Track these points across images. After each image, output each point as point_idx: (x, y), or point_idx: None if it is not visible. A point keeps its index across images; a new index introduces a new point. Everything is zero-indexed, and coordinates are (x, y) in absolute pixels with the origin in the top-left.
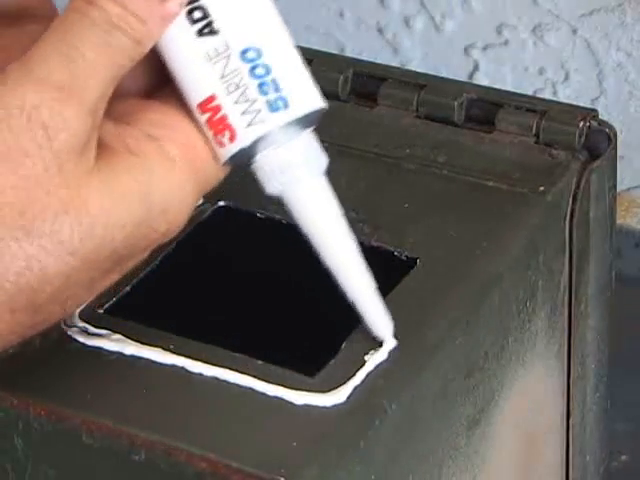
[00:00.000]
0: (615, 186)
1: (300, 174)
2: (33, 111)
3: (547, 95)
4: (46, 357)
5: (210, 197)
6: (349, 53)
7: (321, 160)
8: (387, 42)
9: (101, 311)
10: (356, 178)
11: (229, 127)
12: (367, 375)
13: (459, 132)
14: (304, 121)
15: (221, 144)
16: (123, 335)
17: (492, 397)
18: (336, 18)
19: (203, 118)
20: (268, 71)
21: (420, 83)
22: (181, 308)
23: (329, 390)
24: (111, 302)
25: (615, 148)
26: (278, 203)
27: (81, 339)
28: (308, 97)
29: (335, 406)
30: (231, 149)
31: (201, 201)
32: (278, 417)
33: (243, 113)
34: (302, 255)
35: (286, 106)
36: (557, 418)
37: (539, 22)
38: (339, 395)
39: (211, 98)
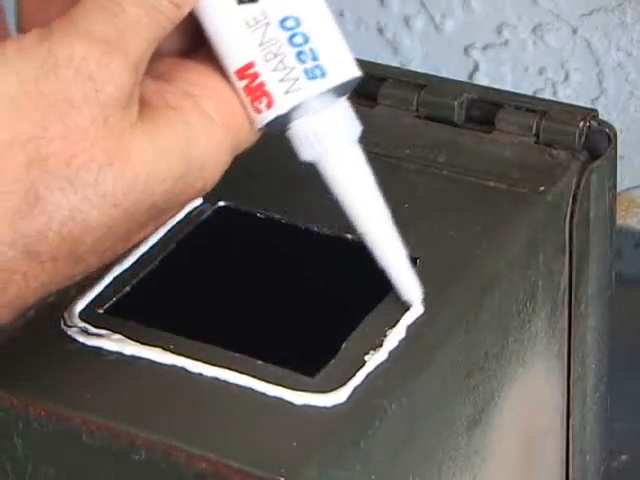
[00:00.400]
0: (615, 186)
1: (335, 141)
2: (81, 62)
3: (547, 95)
4: (46, 357)
5: (210, 197)
6: None
7: (355, 128)
8: (387, 42)
9: (101, 311)
10: None
11: (267, 94)
12: (367, 375)
13: (459, 132)
14: (340, 89)
15: (258, 110)
16: (123, 335)
17: (492, 397)
18: (336, 18)
19: (241, 84)
20: (306, 40)
21: (420, 83)
22: (181, 308)
23: (329, 390)
24: (111, 302)
25: (615, 148)
26: (278, 203)
27: (81, 339)
28: (345, 66)
29: (335, 406)
30: (268, 116)
31: (201, 201)
32: (278, 417)
33: (281, 80)
34: (302, 255)
35: (323, 75)
36: (557, 418)
37: (539, 22)
38: (339, 395)
39: (249, 65)
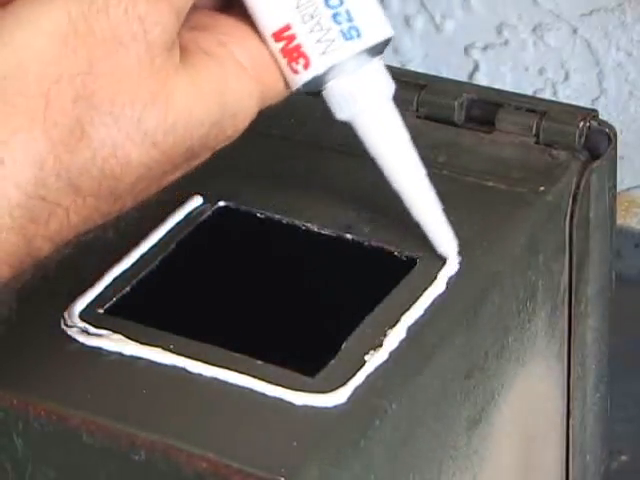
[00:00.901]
0: (615, 186)
1: (370, 100)
2: (130, 3)
3: (547, 95)
4: (46, 357)
5: (210, 197)
6: None
7: (390, 86)
8: None
9: (101, 311)
10: (356, 178)
11: (304, 55)
12: (367, 375)
13: (459, 132)
14: (374, 49)
15: (295, 71)
16: (123, 335)
17: (492, 397)
18: None
19: (277, 46)
20: (341, 1)
21: (420, 83)
22: (181, 308)
23: (329, 390)
24: (111, 302)
25: (615, 148)
26: (278, 203)
27: (81, 339)
28: (379, 26)
29: (335, 406)
30: (305, 76)
31: (201, 201)
32: (278, 417)
33: (318, 41)
34: (302, 255)
35: (359, 35)
36: (557, 418)
37: (539, 22)
38: (339, 395)
39: (286, 27)
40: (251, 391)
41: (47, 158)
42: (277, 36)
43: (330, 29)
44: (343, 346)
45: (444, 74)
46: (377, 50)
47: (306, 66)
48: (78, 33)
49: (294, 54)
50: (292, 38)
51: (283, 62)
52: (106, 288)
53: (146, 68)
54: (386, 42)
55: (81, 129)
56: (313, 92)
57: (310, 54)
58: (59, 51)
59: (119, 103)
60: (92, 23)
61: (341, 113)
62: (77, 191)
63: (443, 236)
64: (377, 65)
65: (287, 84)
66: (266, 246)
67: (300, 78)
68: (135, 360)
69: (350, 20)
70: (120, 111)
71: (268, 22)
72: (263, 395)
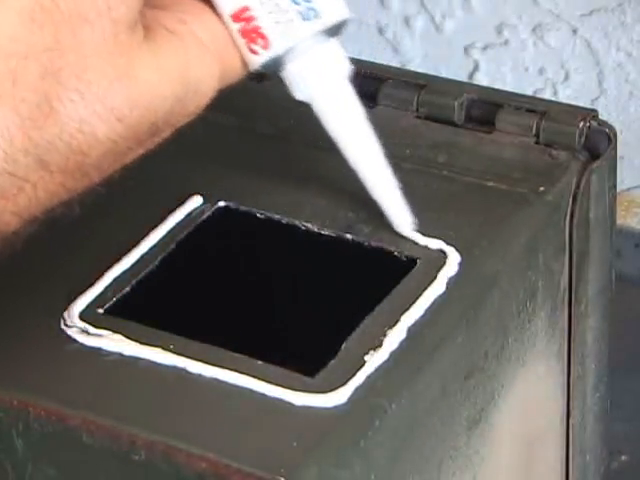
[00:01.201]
0: (615, 186)
1: (328, 80)
2: None
3: (547, 95)
4: (46, 357)
5: (210, 197)
6: (349, 53)
7: (346, 66)
8: (387, 42)
9: (101, 311)
10: (356, 178)
11: (262, 36)
12: (367, 375)
13: (459, 132)
14: (331, 30)
15: (254, 52)
16: (123, 335)
17: (492, 397)
18: None
19: (236, 27)
20: None
21: (420, 83)
22: (181, 308)
23: (329, 390)
24: (111, 302)
25: (615, 148)
26: (278, 203)
27: (81, 339)
28: (336, 7)
29: (335, 406)
30: (264, 57)
31: (201, 201)
32: (278, 417)
33: (276, 23)
34: (302, 255)
35: (317, 16)
36: (557, 418)
37: (539, 22)
38: (339, 395)
39: (245, 8)
40: (251, 391)
41: (16, 134)
42: (236, 17)
43: (288, 10)
44: (343, 346)
45: (444, 74)
46: (335, 31)
47: (265, 47)
48: (44, 9)
49: (253, 35)
50: (251, 19)
51: (242, 43)
52: (106, 288)
53: (111, 45)
54: (343, 23)
55: (49, 105)
56: (271, 72)
57: (269, 35)
58: (26, 27)
59: (85, 79)
60: (58, 0)
61: (299, 93)
62: (45, 167)
63: (399, 213)
64: (334, 46)
65: (246, 64)
66: (266, 246)
67: (259, 59)
68: (135, 360)
69: (308, 1)
70: (86, 87)
71: (227, 3)
72: (263, 395)
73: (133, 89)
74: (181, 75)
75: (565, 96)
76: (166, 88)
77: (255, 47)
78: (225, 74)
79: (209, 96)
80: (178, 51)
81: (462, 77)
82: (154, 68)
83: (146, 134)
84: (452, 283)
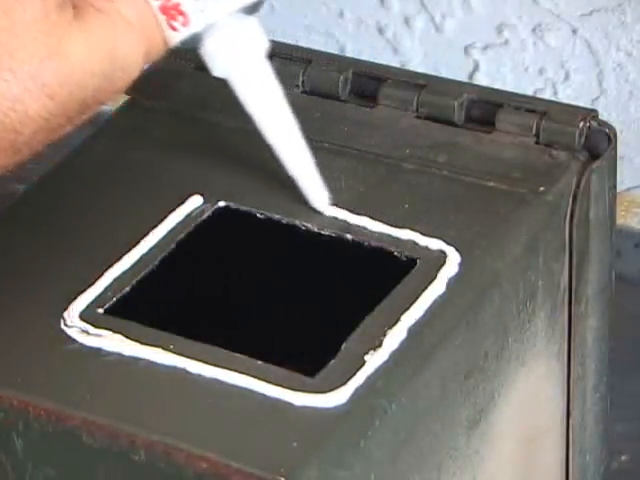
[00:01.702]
0: (615, 186)
1: (246, 57)
2: None
3: (547, 95)
4: (46, 357)
5: (210, 197)
6: (349, 53)
7: (264, 43)
8: (387, 42)
9: (101, 311)
10: (356, 178)
11: (182, 13)
12: (367, 375)
13: (459, 132)
14: (250, 8)
15: (174, 28)
16: (123, 335)
17: (492, 397)
18: (336, 18)
19: (156, 4)
20: None
21: (420, 83)
22: (181, 308)
23: (329, 390)
24: (111, 302)
25: (615, 148)
26: (278, 203)
27: (81, 339)
28: None
29: (335, 407)
30: (183, 33)
31: (201, 201)
32: (278, 417)
33: (196, 0)
34: (302, 255)
35: None
36: (557, 418)
37: (539, 22)
38: (339, 395)
39: None
40: (251, 391)
41: None
42: None
43: None
44: (343, 346)
45: (444, 74)
46: (253, 9)
47: (185, 24)
48: None
49: (172, 12)
50: None
51: (162, 19)
52: (106, 288)
53: (42, 24)
54: (262, 1)
55: None
56: (191, 49)
57: (189, 12)
58: None
59: (18, 58)
60: None
61: (217, 70)
62: None
63: (315, 190)
64: (253, 23)
65: (166, 41)
66: (266, 246)
67: (178, 35)
68: (135, 360)
69: None
70: (19, 66)
71: None
72: (263, 395)
73: (64, 66)
74: (109, 52)
75: (565, 96)
76: (95, 65)
77: (175, 24)
78: (150, 51)
79: (135, 73)
80: (106, 29)
81: (462, 77)
82: (84, 46)
83: (76, 110)
84: (452, 283)
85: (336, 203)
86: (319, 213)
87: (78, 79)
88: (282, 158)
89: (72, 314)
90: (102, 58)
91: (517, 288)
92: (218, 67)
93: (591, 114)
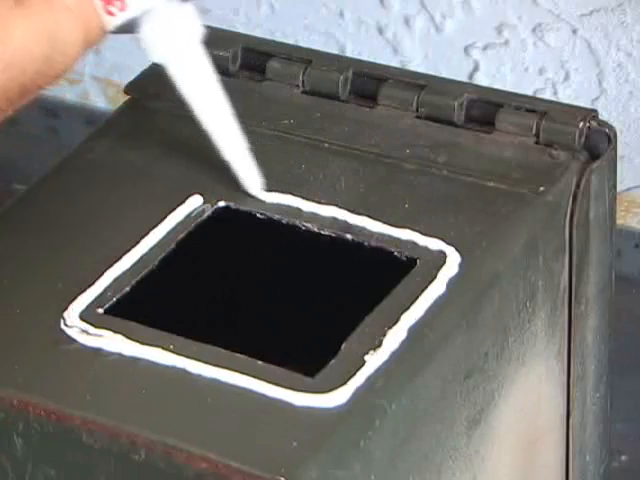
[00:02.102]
0: (615, 186)
1: (181, 42)
2: None
3: (547, 95)
4: (47, 357)
5: (210, 197)
6: (349, 53)
7: (198, 30)
8: (387, 42)
9: (101, 311)
10: (356, 178)
11: None
12: (367, 376)
13: (459, 132)
14: None
15: (111, 14)
16: (123, 335)
17: (492, 397)
18: (336, 18)
19: None
20: None
21: (420, 83)
22: (181, 308)
23: (329, 390)
24: (111, 302)
25: (615, 148)
26: (278, 203)
27: (81, 339)
28: None
29: (335, 406)
30: (120, 18)
31: (201, 201)
32: (278, 417)
33: None
34: (302, 255)
35: None
36: (557, 418)
37: (539, 22)
38: (339, 396)
39: None
40: (251, 391)
41: None
42: None
43: None
44: (343, 346)
45: (444, 74)
46: None
47: (122, 9)
48: None
49: None
50: None
51: (100, 5)
52: (106, 288)
53: None
54: None
55: None
56: (129, 34)
57: None
58: None
59: None
60: None
61: (155, 55)
62: None
63: (248, 175)
64: (188, 10)
65: (104, 26)
66: (266, 246)
67: (115, 20)
68: (135, 360)
69: None
70: None
71: None
72: (263, 395)
73: (5, 51)
74: (49, 37)
75: (565, 96)
76: (35, 49)
77: (112, 9)
78: (88, 36)
79: (74, 57)
80: (46, 14)
81: (462, 77)
82: (25, 30)
83: (16, 94)
84: (452, 283)
85: (336, 203)
86: (254, 197)
87: (20, 63)
88: (217, 143)
89: (72, 314)
90: (42, 43)
91: (517, 288)
92: (155, 52)
93: (591, 114)
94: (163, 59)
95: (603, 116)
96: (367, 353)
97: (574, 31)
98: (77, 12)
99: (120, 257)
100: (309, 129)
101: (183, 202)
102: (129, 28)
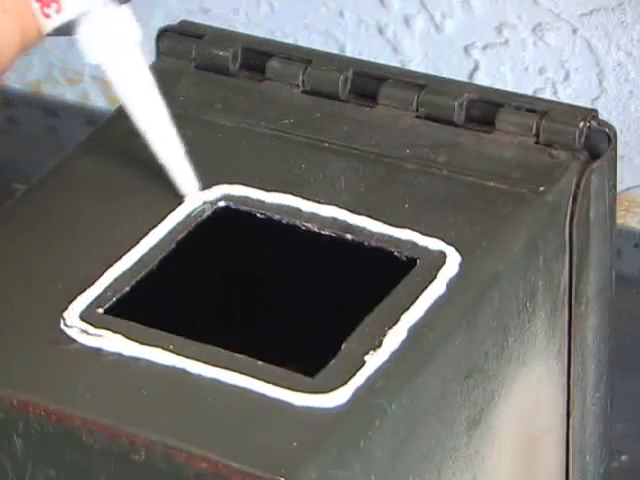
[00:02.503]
0: (615, 186)
1: (118, 45)
2: None
3: (547, 95)
4: (46, 357)
5: (210, 197)
6: (349, 53)
7: (135, 33)
8: (387, 42)
9: (101, 311)
10: (356, 178)
11: (56, 1)
12: (367, 375)
13: (459, 132)
14: None
15: (47, 16)
16: (123, 335)
17: (492, 397)
18: (336, 18)
19: None
20: None
21: (420, 83)
22: (181, 308)
23: (329, 391)
24: (111, 302)
25: (615, 148)
26: (278, 203)
27: (81, 339)
28: None
29: (335, 407)
30: (57, 20)
31: (201, 202)
32: (278, 417)
33: None
34: (302, 255)
35: None
36: (557, 418)
37: (539, 22)
38: (340, 396)
39: None
40: (251, 391)
41: None
42: None
43: None
44: (343, 346)
45: (444, 74)
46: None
47: (58, 10)
48: None
49: None
50: None
51: (36, 7)
52: (106, 288)
53: None
54: None
55: None
56: (65, 36)
57: (62, 0)
58: None
59: None
60: None
61: (91, 58)
62: None
63: (184, 177)
64: (125, 13)
65: (41, 28)
66: (266, 246)
67: (52, 22)
68: (135, 360)
69: None
70: None
71: None
72: (263, 395)
73: None
74: None
75: (565, 96)
76: None
77: (48, 11)
78: (25, 38)
79: (10, 59)
80: None
81: (462, 77)
82: None
83: None
84: (452, 283)
85: (336, 203)
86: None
87: None
88: (152, 146)
89: (72, 314)
90: None
91: (517, 288)
92: (92, 55)
93: (591, 114)
94: (99, 61)
95: (603, 116)
96: (367, 353)
97: (574, 31)
98: (13, 13)
99: (120, 257)
100: (309, 129)
101: (183, 202)
102: (66, 30)
